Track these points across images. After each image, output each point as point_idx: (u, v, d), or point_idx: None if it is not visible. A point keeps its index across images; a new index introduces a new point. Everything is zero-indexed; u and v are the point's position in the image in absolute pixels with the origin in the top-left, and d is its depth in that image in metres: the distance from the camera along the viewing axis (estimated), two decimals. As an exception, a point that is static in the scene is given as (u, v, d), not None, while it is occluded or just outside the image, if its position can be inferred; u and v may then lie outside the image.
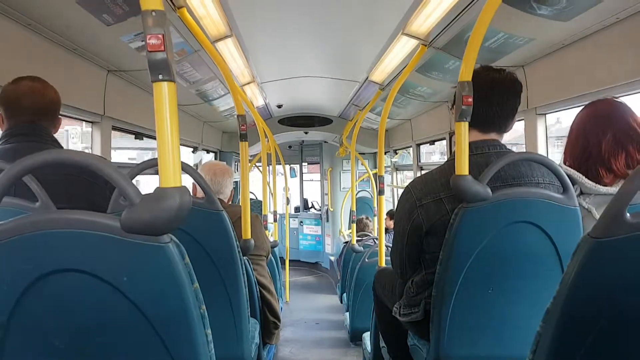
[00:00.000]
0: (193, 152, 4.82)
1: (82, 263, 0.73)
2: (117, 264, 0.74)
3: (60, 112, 1.60)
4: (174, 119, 0.77)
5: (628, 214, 0.65)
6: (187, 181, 1.80)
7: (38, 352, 0.76)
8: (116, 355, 0.77)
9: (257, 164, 5.79)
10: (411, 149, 5.16)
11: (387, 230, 5.28)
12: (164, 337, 0.76)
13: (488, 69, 1.43)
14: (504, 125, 1.43)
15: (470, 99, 1.27)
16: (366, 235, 5.29)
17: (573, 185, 1.37)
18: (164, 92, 0.76)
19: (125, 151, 6.71)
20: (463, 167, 1.26)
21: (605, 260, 0.67)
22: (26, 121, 1.46)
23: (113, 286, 0.74)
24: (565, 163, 1.48)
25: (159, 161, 0.76)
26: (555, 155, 2.62)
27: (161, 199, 0.73)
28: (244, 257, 1.82)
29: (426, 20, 2.22)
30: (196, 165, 4.63)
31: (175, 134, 0.77)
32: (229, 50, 2.76)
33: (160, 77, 0.76)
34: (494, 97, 1.39)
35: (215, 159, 5.66)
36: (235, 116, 2.10)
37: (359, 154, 5.79)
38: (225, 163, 2.44)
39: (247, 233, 1.98)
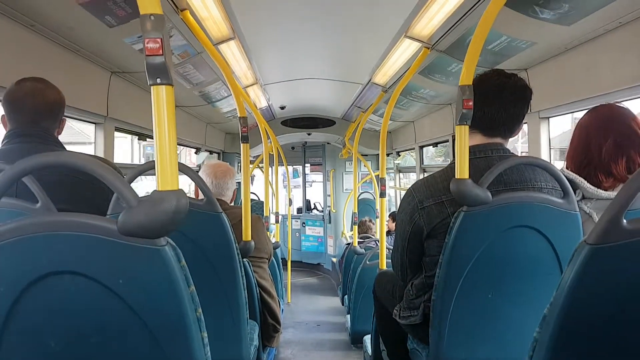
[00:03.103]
0: (196, 152, 4.83)
1: (78, 265, 0.73)
2: (113, 266, 0.74)
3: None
4: (171, 122, 0.77)
5: (625, 220, 0.65)
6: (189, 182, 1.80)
7: (34, 354, 0.76)
8: (112, 358, 0.77)
9: (260, 165, 5.79)
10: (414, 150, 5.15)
11: (389, 232, 5.27)
12: (160, 340, 0.76)
13: (499, 73, 1.41)
14: (509, 130, 1.42)
15: (471, 103, 1.27)
16: (368, 237, 5.27)
17: (575, 190, 1.36)
18: (162, 96, 0.77)
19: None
20: (463, 170, 1.26)
21: (601, 267, 0.66)
22: (29, 122, 1.46)
23: (109, 289, 0.74)
24: (567, 168, 1.48)
25: (157, 164, 0.76)
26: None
27: (158, 202, 0.73)
28: (245, 259, 1.81)
29: (429, 23, 2.22)
30: (199, 166, 4.64)
31: (173, 137, 0.77)
32: (232, 52, 2.76)
33: (159, 80, 0.77)
34: (502, 102, 1.37)
35: (219, 159, 5.66)
36: (238, 117, 2.10)
37: (362, 155, 5.78)
38: (228, 164, 2.43)
39: (247, 235, 1.98)
